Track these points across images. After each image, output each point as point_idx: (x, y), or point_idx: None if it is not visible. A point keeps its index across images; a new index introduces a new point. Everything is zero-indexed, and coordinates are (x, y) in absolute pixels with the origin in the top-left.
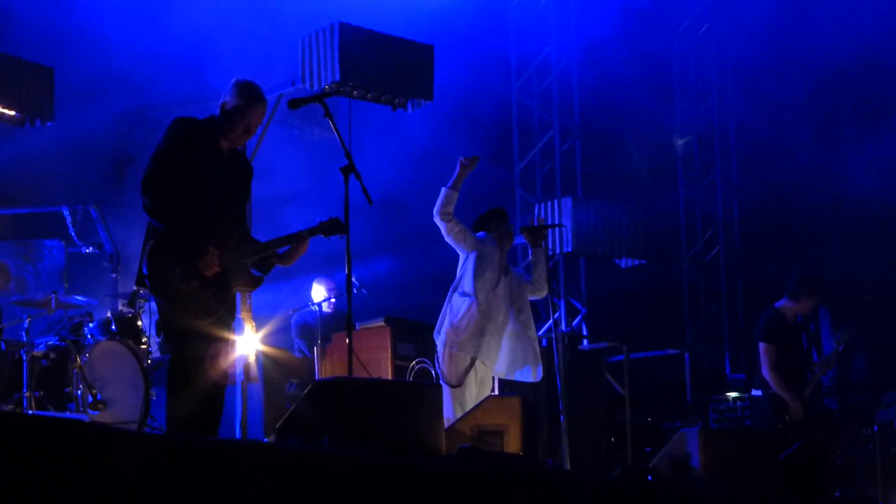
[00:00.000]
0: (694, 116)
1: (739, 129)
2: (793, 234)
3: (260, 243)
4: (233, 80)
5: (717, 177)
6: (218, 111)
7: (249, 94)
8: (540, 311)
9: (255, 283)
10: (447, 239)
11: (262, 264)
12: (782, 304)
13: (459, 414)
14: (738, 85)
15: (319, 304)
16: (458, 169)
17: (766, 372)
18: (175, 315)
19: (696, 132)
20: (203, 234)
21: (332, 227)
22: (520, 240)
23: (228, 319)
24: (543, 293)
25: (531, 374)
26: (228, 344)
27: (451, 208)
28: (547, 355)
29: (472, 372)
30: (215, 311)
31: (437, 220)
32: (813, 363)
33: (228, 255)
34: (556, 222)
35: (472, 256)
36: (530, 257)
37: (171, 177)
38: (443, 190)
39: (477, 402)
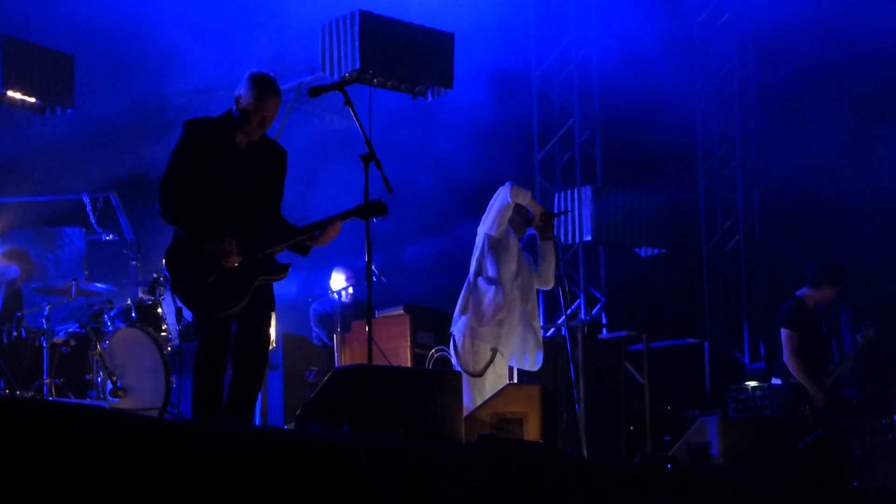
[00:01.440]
0: (715, 104)
1: (760, 117)
2: (813, 223)
3: (295, 229)
4: (247, 73)
5: (738, 166)
6: (233, 104)
7: (263, 87)
8: (558, 301)
9: (280, 272)
10: (495, 210)
11: (299, 247)
12: (804, 292)
13: (478, 403)
14: (758, 74)
15: (338, 293)
16: (537, 211)
17: (787, 358)
18: (197, 309)
19: (716, 121)
20: (222, 230)
21: (373, 208)
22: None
23: (256, 307)
24: (549, 286)
25: (530, 361)
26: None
27: (519, 199)
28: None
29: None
30: (237, 303)
31: (507, 190)
32: (833, 354)
33: (251, 246)
34: (575, 211)
35: (491, 244)
36: (538, 248)
37: (184, 180)
38: (528, 189)
39: (494, 391)
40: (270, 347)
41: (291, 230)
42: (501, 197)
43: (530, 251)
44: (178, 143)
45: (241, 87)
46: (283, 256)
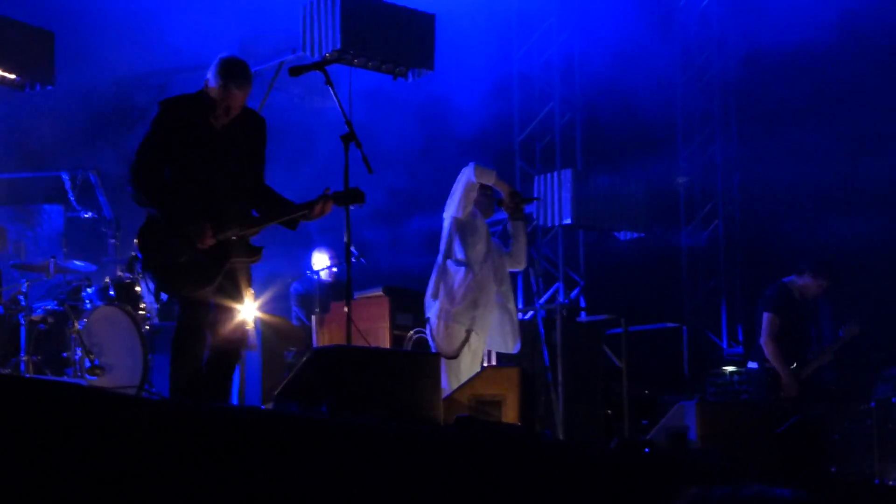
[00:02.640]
0: (695, 89)
1: (740, 101)
2: (793, 209)
3: (279, 206)
4: (217, 57)
5: (718, 150)
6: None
7: (228, 76)
8: (541, 283)
9: (253, 254)
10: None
11: (287, 221)
12: (791, 279)
13: (454, 385)
14: (739, 56)
15: (317, 273)
16: (505, 191)
17: (763, 341)
18: (168, 289)
19: (696, 105)
20: (197, 210)
21: (350, 196)
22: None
23: (230, 288)
24: (522, 266)
25: (510, 345)
26: (234, 312)
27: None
28: (545, 327)
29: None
30: (207, 283)
31: (470, 171)
32: (813, 344)
33: (226, 227)
34: (555, 195)
35: (458, 226)
36: (509, 229)
37: (158, 161)
38: (492, 168)
39: (470, 373)
40: (248, 328)
41: (277, 208)
42: (465, 178)
43: (501, 238)
44: (153, 123)
45: (210, 70)
46: (267, 233)
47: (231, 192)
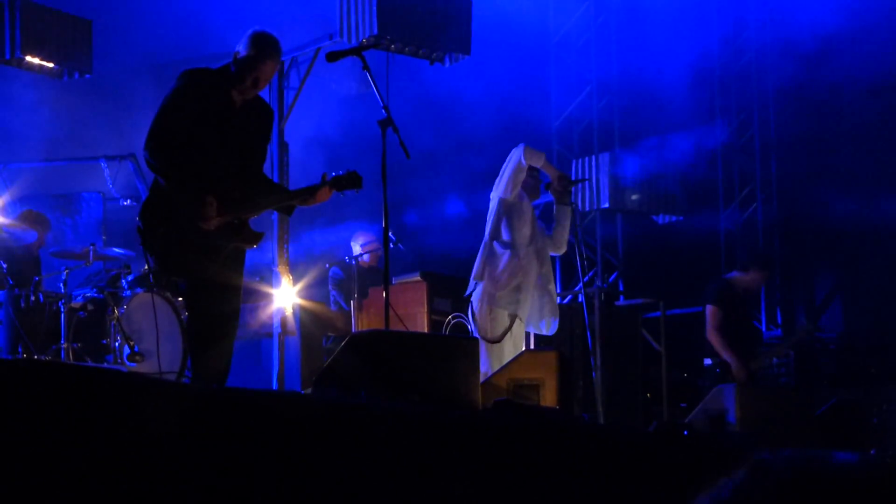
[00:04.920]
0: (732, 73)
1: (778, 83)
2: (830, 193)
3: (276, 192)
4: (249, 31)
5: (756, 134)
6: (231, 60)
7: (261, 46)
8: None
9: (254, 239)
10: (508, 173)
11: (284, 208)
12: (733, 275)
13: (496, 369)
14: (777, 40)
15: (356, 258)
16: (553, 175)
17: (708, 333)
18: (170, 270)
19: (734, 88)
20: (204, 188)
21: (347, 180)
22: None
23: (232, 271)
24: (560, 251)
25: (546, 327)
26: (241, 295)
27: (533, 161)
28: (581, 311)
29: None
30: (208, 267)
31: (520, 152)
32: (757, 337)
33: (229, 208)
34: (592, 178)
35: (505, 208)
36: (554, 211)
37: (175, 131)
38: (541, 151)
39: (512, 356)
40: (288, 313)
41: (278, 192)
42: (514, 159)
43: (543, 219)
44: (175, 91)
45: (241, 43)
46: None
47: (239, 170)
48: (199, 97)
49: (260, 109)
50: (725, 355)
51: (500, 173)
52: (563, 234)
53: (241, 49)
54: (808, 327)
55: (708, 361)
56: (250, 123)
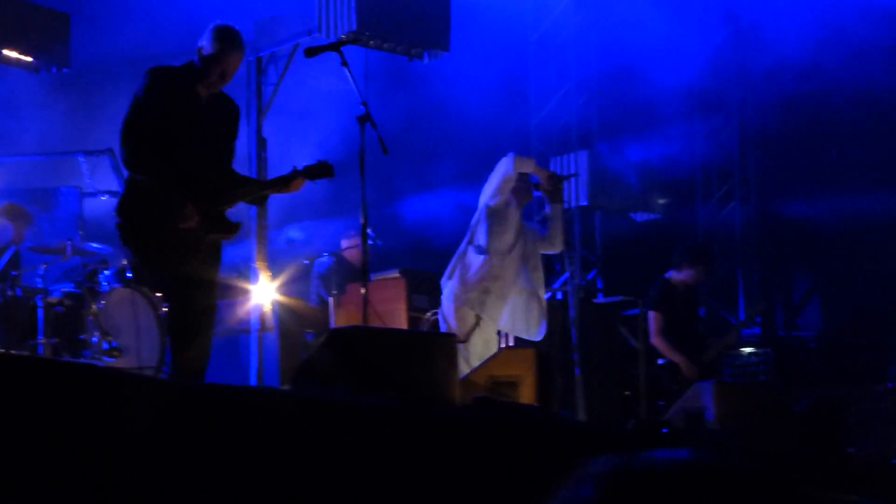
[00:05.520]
0: (710, 71)
1: (756, 82)
2: (809, 190)
3: (248, 183)
4: (211, 25)
5: (735, 132)
6: (196, 56)
7: (225, 39)
8: (554, 265)
9: (232, 229)
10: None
11: (257, 199)
12: (670, 274)
13: (465, 369)
14: (755, 39)
15: (337, 253)
16: (543, 175)
17: (652, 339)
18: (151, 265)
19: (713, 87)
20: (181, 183)
21: (319, 170)
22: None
23: (211, 263)
24: (558, 249)
25: (533, 331)
26: (218, 289)
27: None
28: (563, 308)
29: (476, 329)
30: (188, 259)
31: (509, 162)
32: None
33: (206, 203)
34: (571, 174)
35: (488, 213)
36: (547, 211)
37: (148, 127)
38: (530, 157)
39: (482, 358)
40: (266, 309)
41: (250, 184)
42: (503, 169)
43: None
44: (143, 90)
45: (204, 38)
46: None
47: (212, 163)
48: (167, 93)
49: (226, 105)
50: (672, 357)
51: (488, 180)
52: (559, 232)
53: (205, 44)
54: (756, 309)
55: (662, 361)
56: (218, 117)
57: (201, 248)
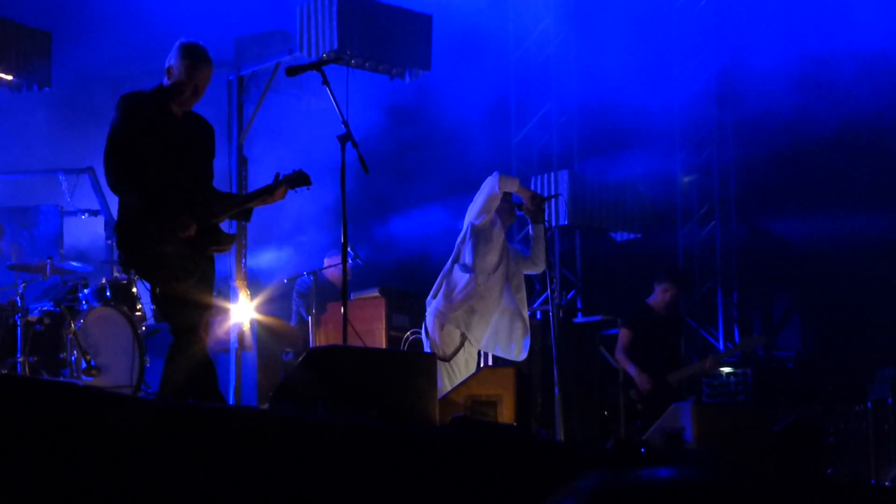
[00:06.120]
0: (692, 92)
1: (736, 104)
2: (790, 211)
3: (232, 197)
4: (176, 43)
5: (714, 152)
6: (165, 76)
7: (194, 55)
8: (535, 284)
9: (228, 241)
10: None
11: (243, 213)
12: (650, 298)
13: (448, 386)
14: (735, 59)
15: (316, 271)
16: (527, 196)
17: (616, 353)
18: (154, 281)
19: (693, 108)
20: (172, 199)
21: (296, 179)
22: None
23: (208, 281)
24: (539, 269)
25: (516, 352)
26: (214, 309)
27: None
28: (542, 327)
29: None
30: (192, 273)
31: (494, 181)
32: (684, 356)
33: (199, 216)
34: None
35: (473, 232)
36: (530, 232)
37: (131, 151)
38: (514, 176)
39: (465, 376)
40: (245, 328)
41: (234, 198)
42: (489, 188)
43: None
44: (119, 118)
45: (171, 57)
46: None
47: (196, 179)
48: (143, 117)
49: (202, 125)
50: (628, 368)
51: (474, 199)
52: (541, 252)
53: (173, 62)
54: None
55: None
56: (194, 136)
57: (201, 264)
